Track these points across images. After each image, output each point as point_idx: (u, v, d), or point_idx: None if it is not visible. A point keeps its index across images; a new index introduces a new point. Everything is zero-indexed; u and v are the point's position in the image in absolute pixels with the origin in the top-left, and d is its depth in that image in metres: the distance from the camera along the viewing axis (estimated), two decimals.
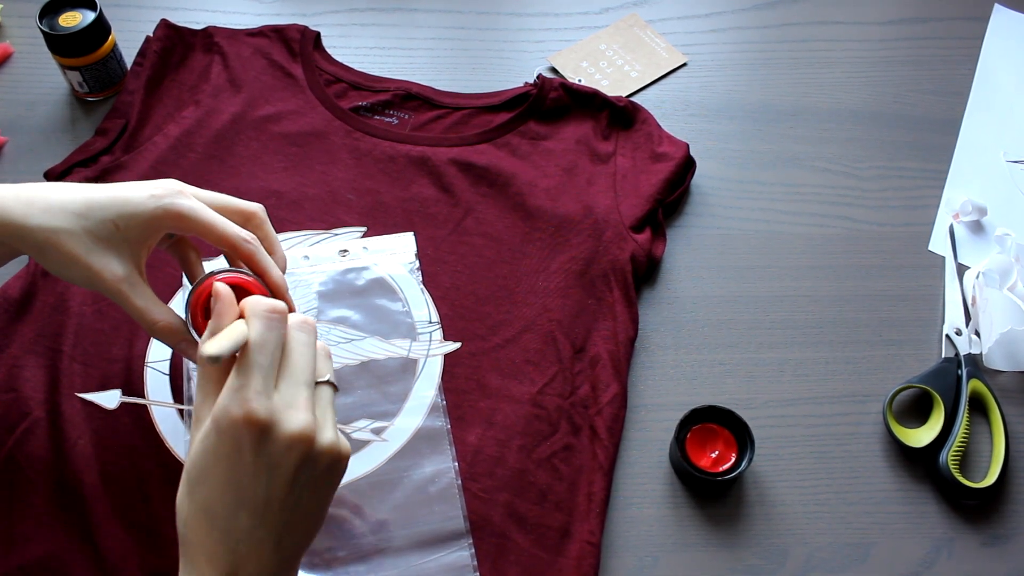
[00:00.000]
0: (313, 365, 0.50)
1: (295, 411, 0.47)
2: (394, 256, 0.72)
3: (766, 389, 0.71)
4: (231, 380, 0.46)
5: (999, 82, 0.90)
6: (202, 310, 0.54)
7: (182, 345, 0.56)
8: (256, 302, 0.49)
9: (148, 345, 0.66)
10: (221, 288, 0.50)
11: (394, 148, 0.78)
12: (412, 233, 0.73)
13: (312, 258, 0.71)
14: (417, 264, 0.72)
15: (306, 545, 0.50)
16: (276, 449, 0.46)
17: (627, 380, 0.69)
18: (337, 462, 0.49)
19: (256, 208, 0.58)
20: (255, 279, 0.55)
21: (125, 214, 0.54)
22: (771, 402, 0.70)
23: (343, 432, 0.64)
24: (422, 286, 0.71)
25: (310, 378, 0.49)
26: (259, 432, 0.45)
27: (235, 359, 0.47)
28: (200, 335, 0.54)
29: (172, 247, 0.60)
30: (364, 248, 0.72)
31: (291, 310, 0.55)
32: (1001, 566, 0.64)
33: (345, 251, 0.72)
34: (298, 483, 0.47)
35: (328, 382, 0.51)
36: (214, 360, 0.46)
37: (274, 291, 0.56)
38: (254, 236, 0.56)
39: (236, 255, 0.56)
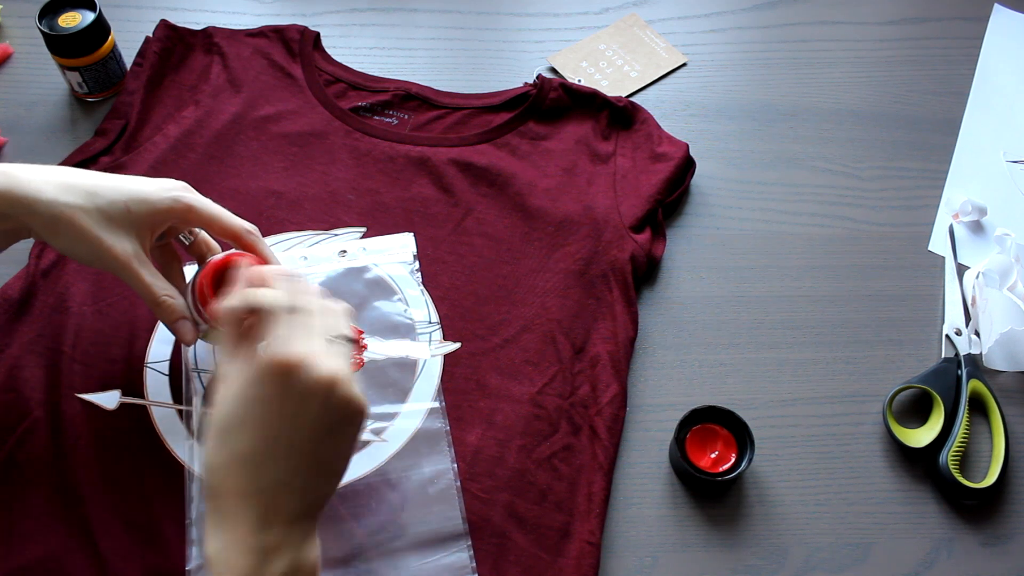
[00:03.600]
0: (328, 322, 0.51)
1: (316, 358, 0.48)
2: (393, 256, 0.72)
3: (766, 389, 0.71)
4: (260, 334, 0.49)
5: (999, 82, 0.90)
6: (210, 288, 0.58)
7: (181, 322, 0.59)
8: (269, 269, 0.54)
9: (148, 345, 0.66)
10: (244, 270, 0.54)
11: (394, 148, 0.78)
12: (411, 233, 0.73)
13: (310, 258, 0.71)
14: (417, 265, 0.72)
15: (328, 495, 0.51)
16: (301, 391, 0.47)
17: (627, 380, 0.69)
18: (356, 414, 0.50)
19: (252, 226, 0.61)
20: (246, 255, 0.59)
21: (137, 199, 0.57)
22: (771, 402, 0.70)
23: None
24: (422, 286, 0.71)
25: (326, 333, 0.51)
26: (287, 373, 0.47)
27: (251, 328, 0.51)
28: (202, 316, 0.59)
29: (158, 249, 0.62)
30: (363, 249, 0.72)
31: None
32: (1001, 566, 0.64)
33: (344, 251, 0.72)
34: (320, 428, 0.49)
35: (344, 337, 0.52)
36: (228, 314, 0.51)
37: None
38: (255, 227, 0.61)
39: (239, 244, 0.60)
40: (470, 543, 0.61)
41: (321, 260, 0.71)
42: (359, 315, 0.69)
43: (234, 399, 0.48)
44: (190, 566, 0.58)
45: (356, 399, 0.49)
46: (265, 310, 0.50)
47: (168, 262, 0.62)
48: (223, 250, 0.62)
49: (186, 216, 0.58)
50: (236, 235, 0.60)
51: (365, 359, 0.67)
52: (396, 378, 0.67)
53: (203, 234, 0.62)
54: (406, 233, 0.73)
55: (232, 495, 0.48)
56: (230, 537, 0.47)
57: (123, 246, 0.56)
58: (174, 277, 0.62)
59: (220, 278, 0.58)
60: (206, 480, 0.49)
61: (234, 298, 0.51)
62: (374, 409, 0.65)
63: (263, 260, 0.60)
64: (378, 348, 0.68)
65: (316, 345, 0.49)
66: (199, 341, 0.61)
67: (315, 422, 0.48)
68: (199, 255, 0.63)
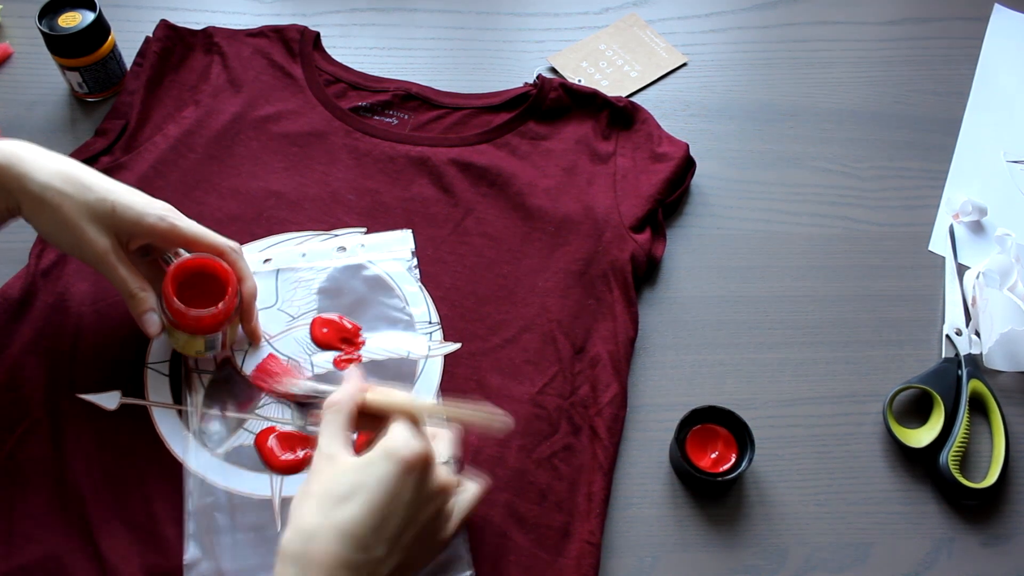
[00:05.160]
0: (441, 447, 0.57)
1: (443, 467, 0.54)
2: (391, 252, 0.72)
3: (766, 389, 0.71)
4: (401, 426, 0.52)
5: (999, 82, 0.90)
6: (172, 287, 0.60)
7: (149, 314, 0.61)
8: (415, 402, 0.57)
9: (148, 345, 0.66)
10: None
11: (394, 148, 0.78)
12: (409, 230, 0.73)
13: (308, 254, 0.71)
14: (415, 261, 0.72)
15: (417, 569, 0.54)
16: (430, 490, 0.52)
17: (627, 380, 0.69)
18: (449, 522, 0.55)
19: (235, 244, 0.64)
20: (219, 261, 0.62)
21: (125, 205, 0.60)
22: (771, 402, 0.70)
23: None
24: (420, 284, 0.71)
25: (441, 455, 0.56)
26: (427, 470, 0.51)
27: (357, 419, 0.54)
28: (169, 312, 0.61)
29: (144, 265, 0.64)
30: (361, 245, 0.72)
31: (251, 321, 0.65)
32: (1001, 566, 0.64)
33: (343, 247, 0.72)
34: (428, 527, 0.53)
35: (447, 462, 0.57)
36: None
37: (246, 296, 0.64)
38: (238, 245, 0.64)
39: (222, 260, 0.62)
40: (466, 537, 0.61)
41: (319, 256, 0.71)
42: (357, 312, 0.69)
43: (346, 473, 0.50)
44: (186, 559, 0.58)
45: (453, 511, 0.55)
46: (406, 411, 0.53)
47: (153, 277, 0.63)
48: None
49: (169, 235, 0.61)
50: (220, 252, 0.62)
51: (364, 357, 0.67)
52: (396, 377, 0.67)
53: (184, 255, 0.63)
54: (404, 230, 0.73)
55: (324, 562, 0.48)
56: None
57: (102, 240, 0.59)
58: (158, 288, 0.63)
59: (184, 278, 0.61)
60: (294, 542, 0.49)
61: (376, 395, 0.55)
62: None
63: (240, 279, 0.62)
64: (377, 346, 0.68)
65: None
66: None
67: (429, 521, 0.52)
68: None
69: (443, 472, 0.53)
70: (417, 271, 0.71)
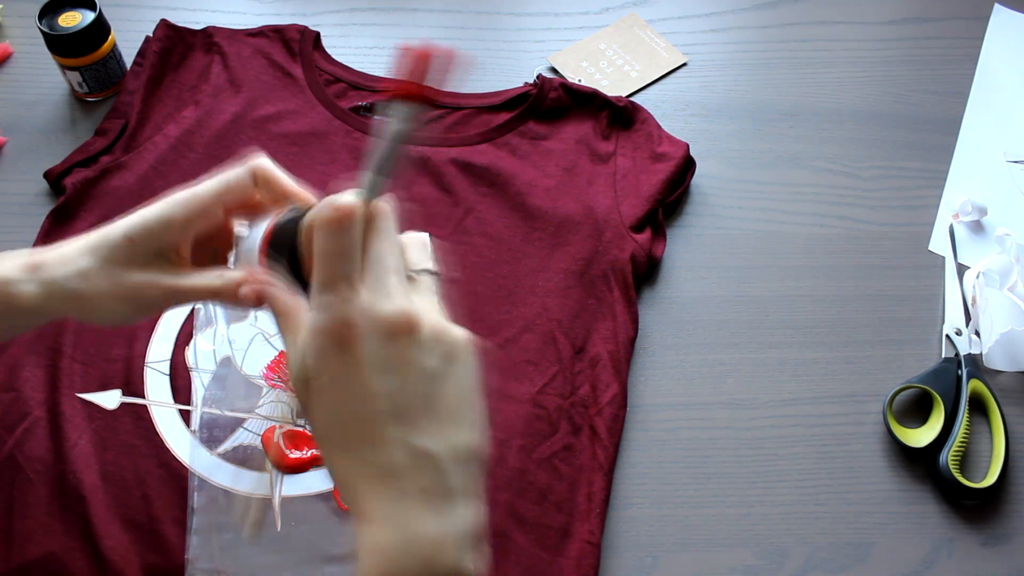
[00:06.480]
0: (397, 255, 0.43)
1: (382, 301, 0.40)
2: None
3: (766, 389, 0.71)
4: (310, 304, 0.41)
5: (999, 82, 0.90)
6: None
7: (244, 287, 0.47)
8: (316, 212, 0.43)
9: (148, 345, 0.66)
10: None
11: None
12: (427, 232, 0.73)
13: None
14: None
15: (473, 450, 0.43)
16: (375, 347, 0.39)
17: (627, 380, 0.69)
18: (454, 347, 0.43)
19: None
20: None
21: (135, 226, 0.48)
22: (771, 402, 0.70)
23: None
24: None
25: (396, 267, 0.42)
26: (348, 338, 0.39)
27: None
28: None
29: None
30: None
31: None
32: (1001, 566, 0.64)
33: None
34: (422, 377, 0.41)
35: (427, 271, 0.45)
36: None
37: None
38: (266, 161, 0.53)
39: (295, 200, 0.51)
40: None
41: None
42: None
43: (317, 393, 0.40)
44: (187, 559, 0.58)
45: (445, 331, 0.42)
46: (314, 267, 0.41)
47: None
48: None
49: (195, 210, 0.49)
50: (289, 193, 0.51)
51: None
52: None
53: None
54: (421, 233, 0.73)
55: (364, 496, 0.40)
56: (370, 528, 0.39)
57: (153, 279, 0.48)
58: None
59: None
60: (343, 498, 0.41)
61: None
62: None
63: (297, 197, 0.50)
64: None
65: (377, 288, 0.40)
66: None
67: (413, 372, 0.40)
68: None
69: (383, 308, 0.40)
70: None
